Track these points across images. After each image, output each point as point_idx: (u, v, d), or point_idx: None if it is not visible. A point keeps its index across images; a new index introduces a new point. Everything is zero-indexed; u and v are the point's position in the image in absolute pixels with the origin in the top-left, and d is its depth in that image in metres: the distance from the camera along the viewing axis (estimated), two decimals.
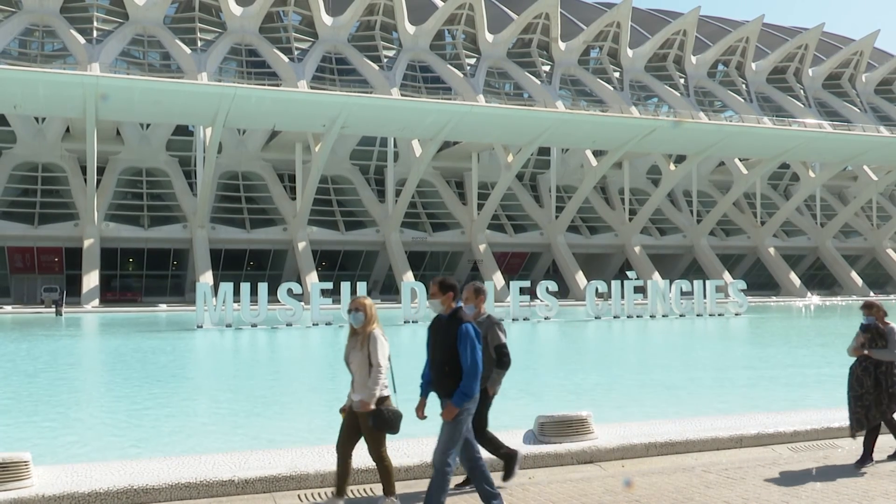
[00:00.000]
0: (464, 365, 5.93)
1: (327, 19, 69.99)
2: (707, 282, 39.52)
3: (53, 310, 44.21)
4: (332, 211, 61.97)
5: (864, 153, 66.68)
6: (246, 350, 24.70)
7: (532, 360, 20.94)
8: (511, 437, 8.09)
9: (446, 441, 6.01)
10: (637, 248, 65.49)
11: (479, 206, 62.77)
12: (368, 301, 6.40)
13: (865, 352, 7.65)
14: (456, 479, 6.65)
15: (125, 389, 14.84)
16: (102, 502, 6.25)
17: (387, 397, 6.35)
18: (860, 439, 7.75)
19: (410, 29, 72.32)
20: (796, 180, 76.02)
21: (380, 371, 6.26)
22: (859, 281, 69.38)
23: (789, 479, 7.15)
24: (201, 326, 30.91)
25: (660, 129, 59.68)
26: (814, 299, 61.10)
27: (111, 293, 55.86)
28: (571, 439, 7.94)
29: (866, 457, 7.58)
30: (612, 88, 76.70)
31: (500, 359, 6.83)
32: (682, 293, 38.49)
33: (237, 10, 67.69)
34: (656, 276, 57.62)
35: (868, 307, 7.91)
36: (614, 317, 36.76)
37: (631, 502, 6.45)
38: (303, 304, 34.02)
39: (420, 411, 6.41)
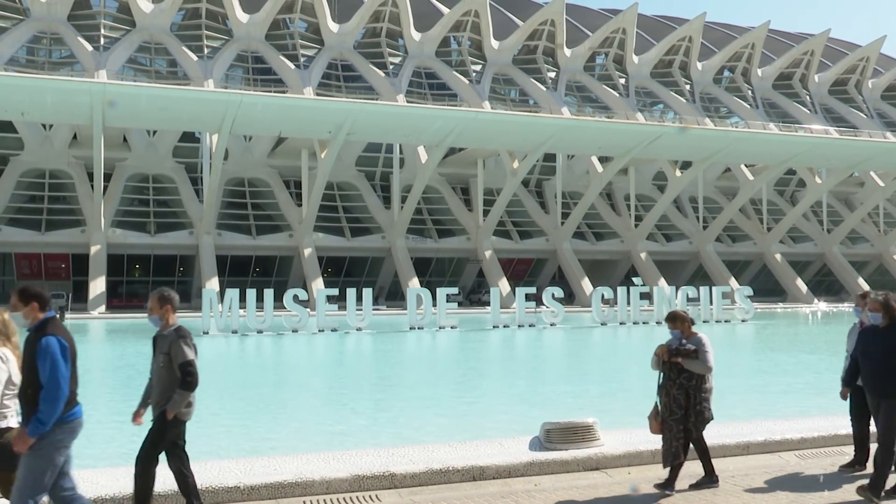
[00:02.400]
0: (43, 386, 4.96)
1: (333, 26, 70.19)
2: (713, 288, 39.43)
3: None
4: (337, 217, 62.04)
5: (871, 159, 66.53)
6: (251, 356, 24.72)
7: (538, 366, 20.93)
8: (517, 444, 8.08)
9: (23, 480, 4.96)
10: (643, 255, 65.41)
11: (485, 213, 62.79)
12: (5, 314, 5.58)
13: (677, 360, 6.97)
14: None
15: (129, 395, 14.84)
16: None
17: (7, 428, 5.32)
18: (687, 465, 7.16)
19: (416, 36, 72.49)
20: (803, 186, 75.85)
21: None
22: (866, 287, 69.06)
23: (797, 486, 7.12)
24: (207, 333, 30.95)
25: (665, 136, 59.66)
26: (820, 306, 60.93)
27: (118, 299, 55.96)
28: (577, 446, 7.92)
29: (670, 482, 7.00)
30: (617, 95, 76.72)
31: (184, 378, 6.01)
32: (689, 299, 38.42)
33: (243, 17, 67.96)
34: (662, 282, 57.52)
35: (672, 319, 7.27)
36: (620, 323, 36.71)
37: None
38: (308, 310, 34.07)
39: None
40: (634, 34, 79.87)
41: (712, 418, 7.12)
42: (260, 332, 31.66)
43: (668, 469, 7.03)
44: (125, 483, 6.56)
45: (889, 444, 6.72)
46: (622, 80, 79.13)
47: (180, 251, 58.01)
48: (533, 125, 57.36)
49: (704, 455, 7.15)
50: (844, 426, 9.05)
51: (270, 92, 58.35)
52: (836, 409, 11.98)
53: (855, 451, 7.85)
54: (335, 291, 37.64)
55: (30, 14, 63.22)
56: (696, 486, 7.05)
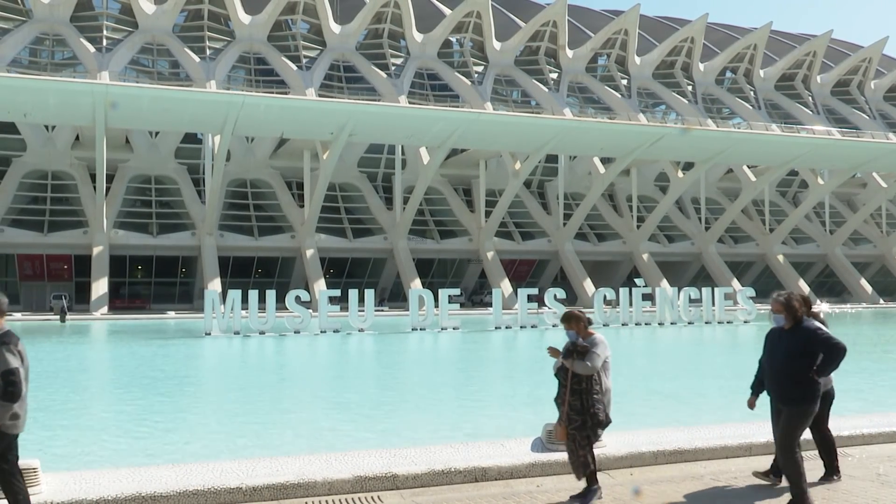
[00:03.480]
0: None
1: (335, 27, 70.25)
2: (715, 289, 39.38)
3: (59, 317, 44.43)
4: (339, 218, 62.07)
5: (873, 160, 66.47)
6: (254, 357, 24.71)
7: (540, 367, 20.89)
8: (519, 445, 8.08)
9: None
10: (645, 256, 65.38)
11: (487, 214, 62.79)
12: None
13: (566, 363, 6.72)
14: None
15: (133, 396, 14.87)
16: None
17: None
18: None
19: (418, 37, 72.52)
20: (805, 187, 75.82)
21: None
22: (869, 288, 69.08)
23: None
24: (209, 334, 30.96)
25: (668, 137, 59.65)
26: (823, 307, 60.53)
27: (120, 300, 56.04)
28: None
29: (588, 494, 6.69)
30: (619, 96, 76.71)
31: (5, 388, 5.54)
32: (691, 300, 38.40)
33: (245, 18, 68.04)
34: (664, 283, 57.48)
35: (566, 320, 6.93)
36: (622, 324, 36.68)
37: None
38: (311, 311, 34.06)
39: None
40: (636, 35, 79.88)
41: (609, 421, 6.78)
42: (262, 333, 31.66)
43: (583, 480, 6.67)
44: (127, 484, 6.57)
45: (789, 452, 6.42)
46: (624, 81, 79.12)
47: (182, 252, 58.06)
48: (535, 126, 57.35)
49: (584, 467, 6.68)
50: (847, 427, 9.05)
51: (272, 93, 58.39)
52: (837, 409, 11.97)
53: (774, 458, 7.26)
54: (337, 292, 37.72)
55: (32, 15, 63.31)
56: (576, 498, 6.64)
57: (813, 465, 7.29)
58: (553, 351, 6.84)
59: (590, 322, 6.94)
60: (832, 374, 6.98)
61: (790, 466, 6.42)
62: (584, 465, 6.61)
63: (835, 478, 7.23)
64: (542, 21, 75.98)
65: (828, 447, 7.30)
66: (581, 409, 6.64)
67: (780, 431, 6.55)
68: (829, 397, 7.31)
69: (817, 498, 6.62)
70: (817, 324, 6.65)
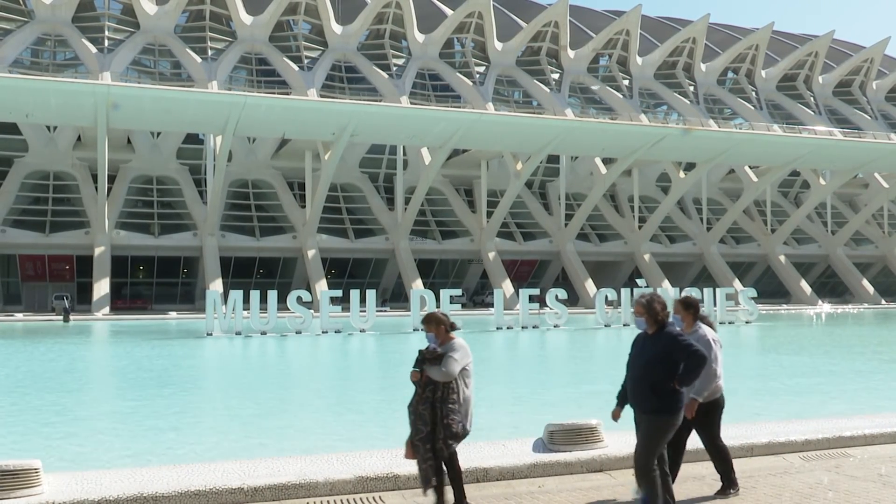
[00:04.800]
0: None
1: (337, 28, 70.28)
2: (717, 290, 39.36)
3: (62, 317, 44.51)
4: (341, 219, 62.09)
5: (875, 160, 66.45)
6: (255, 358, 24.73)
7: (541, 368, 20.92)
8: (521, 446, 8.07)
9: None
10: (647, 256, 65.36)
11: (489, 214, 62.80)
12: None
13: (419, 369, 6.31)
14: None
15: (134, 396, 14.87)
16: None
17: None
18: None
19: (419, 37, 72.54)
20: (807, 188, 75.79)
21: None
22: (871, 289, 69.03)
23: (801, 488, 7.10)
24: (211, 334, 30.98)
25: (669, 137, 59.65)
26: (825, 307, 60.83)
27: (121, 301, 56.11)
28: (581, 448, 7.91)
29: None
30: (621, 96, 76.70)
31: None
32: None
33: (247, 19, 68.07)
34: (666, 283, 57.48)
35: (427, 321, 6.48)
36: (624, 325, 36.65)
37: None
38: (312, 311, 34.09)
39: None
40: (638, 36, 79.88)
41: (466, 433, 6.24)
42: (263, 333, 31.68)
43: (430, 493, 6.27)
44: (128, 484, 6.57)
45: (646, 469, 5.89)
46: (626, 82, 79.12)
47: (184, 253, 58.10)
48: (536, 127, 57.36)
49: (456, 481, 6.32)
50: (849, 428, 9.04)
51: (274, 93, 58.47)
52: (839, 410, 11.97)
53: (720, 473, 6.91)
54: (339, 293, 37.74)
55: (34, 16, 63.38)
56: None
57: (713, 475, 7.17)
58: (415, 375, 6.29)
59: (453, 326, 6.45)
60: (722, 382, 6.69)
61: (647, 485, 5.88)
62: (426, 479, 6.10)
63: (731, 492, 6.78)
64: (544, 21, 75.99)
65: (722, 459, 6.85)
66: (430, 419, 6.15)
67: (638, 444, 6.00)
68: (719, 405, 6.84)
69: None
70: (679, 329, 6.07)
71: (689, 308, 6.77)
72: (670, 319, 6.05)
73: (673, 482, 6.49)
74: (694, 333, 6.65)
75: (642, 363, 6.01)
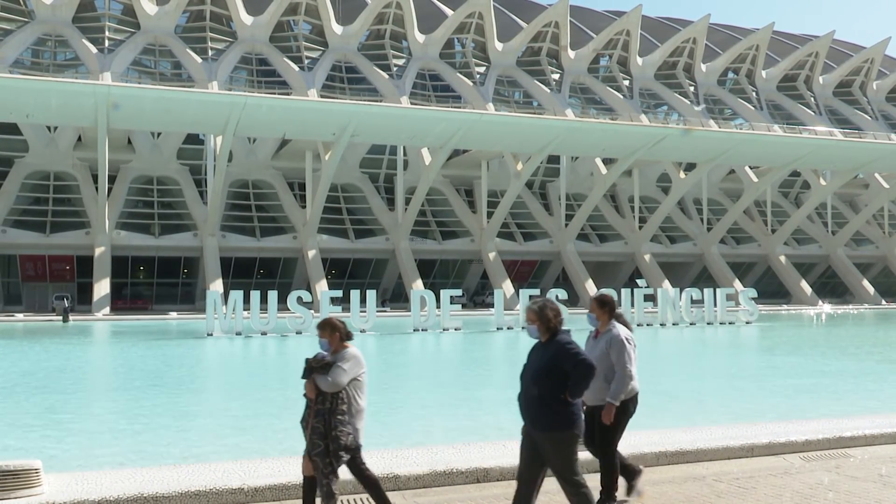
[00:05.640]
0: None
1: (337, 28, 70.29)
2: (717, 290, 39.38)
3: (62, 317, 44.53)
4: (341, 219, 62.09)
5: (876, 161, 66.45)
6: (255, 358, 24.73)
7: None
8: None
9: None
10: (647, 257, 65.35)
11: (489, 215, 62.80)
12: None
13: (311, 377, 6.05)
14: None
15: (134, 397, 14.87)
16: None
17: None
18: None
19: (420, 38, 72.54)
20: (807, 188, 75.79)
21: None
22: (871, 289, 69.02)
23: (801, 488, 7.10)
24: (211, 334, 30.98)
25: (670, 137, 59.65)
26: (825, 308, 60.83)
27: (122, 301, 56.11)
28: (581, 448, 7.89)
29: None
30: (621, 96, 76.70)
31: None
32: (693, 301, 38.39)
33: (248, 19, 68.08)
34: (666, 284, 57.46)
35: (321, 327, 6.22)
36: None
37: None
38: (312, 312, 34.09)
39: None
40: (638, 36, 79.87)
41: (357, 445, 6.05)
42: (264, 333, 31.69)
43: None
44: (129, 484, 6.57)
45: (573, 483, 5.53)
46: (626, 82, 79.12)
47: (184, 253, 58.10)
48: (537, 127, 57.37)
49: (373, 491, 6.12)
50: (850, 428, 9.04)
51: (274, 94, 58.49)
52: (840, 411, 11.97)
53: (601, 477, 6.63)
54: (339, 293, 37.71)
55: (34, 16, 63.39)
56: None
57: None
58: (310, 390, 6.00)
59: (349, 335, 6.19)
60: (636, 383, 6.47)
61: (580, 499, 5.53)
62: (329, 495, 5.85)
63: None
64: (544, 22, 75.99)
65: (609, 469, 6.55)
66: (325, 431, 5.89)
67: (552, 467, 5.56)
68: (628, 410, 6.55)
69: None
70: (569, 337, 5.64)
71: (605, 306, 6.58)
72: (564, 327, 5.68)
73: (616, 490, 6.50)
74: (608, 332, 6.50)
75: (531, 374, 5.60)
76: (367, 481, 6.15)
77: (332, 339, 6.14)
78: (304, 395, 6.06)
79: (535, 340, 5.73)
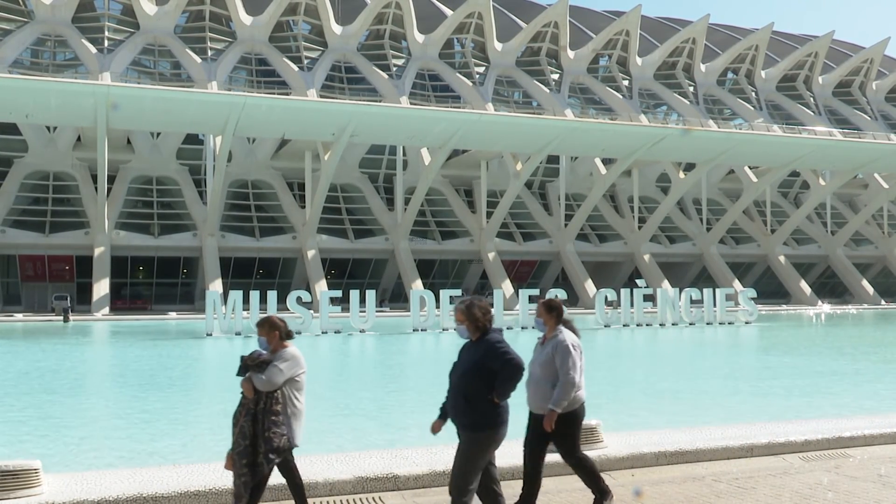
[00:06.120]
0: None
1: (337, 28, 70.27)
2: (717, 290, 39.39)
3: (62, 318, 44.55)
4: (341, 219, 62.08)
5: (875, 161, 66.45)
6: None
7: None
8: (520, 446, 8.07)
9: None
10: (646, 257, 65.36)
11: (489, 215, 62.79)
12: None
13: (248, 376, 5.93)
14: None
15: (134, 397, 14.87)
16: None
17: None
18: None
19: (419, 38, 72.53)
20: (806, 188, 75.81)
21: None
22: (870, 289, 69.03)
23: (800, 488, 7.10)
24: (211, 334, 30.98)
25: (669, 138, 59.65)
26: (824, 308, 60.85)
27: (121, 301, 56.08)
28: (581, 448, 7.90)
29: None
30: (621, 97, 76.70)
31: None
32: (692, 301, 38.40)
33: (247, 19, 68.06)
34: (666, 284, 57.47)
35: (260, 325, 6.10)
36: (624, 325, 36.68)
37: None
38: (312, 312, 34.08)
39: None
40: (638, 36, 79.87)
41: (290, 446, 5.89)
42: None
43: None
44: (128, 484, 6.57)
45: (462, 488, 5.39)
46: (625, 82, 79.12)
47: (184, 253, 58.09)
48: (536, 127, 57.37)
49: (297, 494, 6.00)
50: (849, 428, 9.04)
51: (274, 94, 58.45)
52: (840, 411, 11.98)
53: (524, 485, 6.43)
54: (338, 293, 37.74)
55: (34, 16, 63.36)
56: None
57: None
58: (248, 389, 5.89)
59: (289, 334, 6.07)
60: (583, 392, 6.30)
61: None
62: (238, 496, 5.68)
63: (605, 502, 6.35)
64: (544, 22, 75.97)
65: (587, 471, 6.40)
66: (250, 432, 5.74)
67: (455, 464, 5.50)
68: (577, 417, 6.35)
69: None
70: (499, 336, 5.55)
71: (552, 311, 6.43)
72: (495, 325, 5.58)
73: (534, 502, 6.24)
74: (554, 338, 6.33)
75: (459, 373, 5.55)
76: (295, 484, 6.04)
77: (270, 337, 6.02)
78: (242, 393, 5.92)
79: (466, 340, 5.66)
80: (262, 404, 5.81)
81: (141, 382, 17.34)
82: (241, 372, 5.95)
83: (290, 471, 6.02)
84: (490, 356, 5.42)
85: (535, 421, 6.34)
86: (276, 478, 6.86)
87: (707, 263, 68.03)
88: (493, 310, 5.67)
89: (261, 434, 5.74)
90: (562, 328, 6.41)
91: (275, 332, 6.03)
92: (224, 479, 6.76)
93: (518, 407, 5.90)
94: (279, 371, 5.86)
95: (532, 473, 6.33)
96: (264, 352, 6.01)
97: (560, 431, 6.22)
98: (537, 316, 6.48)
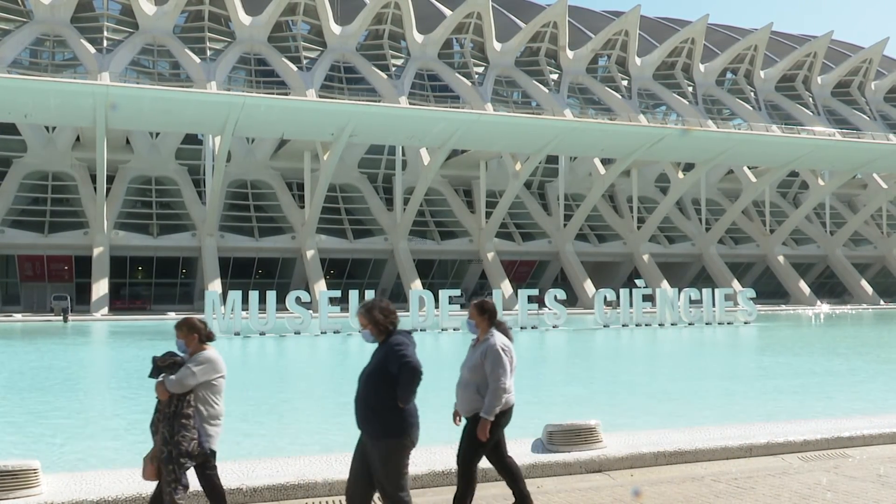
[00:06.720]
0: None
1: (336, 28, 70.26)
2: (716, 290, 39.37)
3: (61, 318, 44.55)
4: (340, 219, 62.07)
5: (874, 161, 66.47)
6: (254, 358, 24.72)
7: (540, 368, 20.91)
8: (520, 446, 8.08)
9: None
10: (646, 257, 65.37)
11: (488, 215, 62.79)
12: None
13: (161, 378, 5.78)
14: None
15: (133, 397, 14.86)
16: None
17: None
18: None
19: (419, 38, 72.53)
20: (805, 188, 75.82)
21: None
22: (869, 289, 69.05)
23: (799, 488, 7.11)
24: None
25: (668, 138, 59.65)
26: (823, 308, 60.85)
27: (120, 301, 56.04)
28: (580, 448, 7.91)
29: None
30: (620, 97, 76.71)
31: None
32: (691, 301, 38.40)
33: (246, 19, 68.04)
34: (665, 284, 57.43)
35: (178, 327, 5.98)
36: (623, 325, 36.67)
37: None
38: (311, 312, 34.06)
39: None
40: (637, 36, 79.89)
41: (203, 452, 5.69)
42: (262, 333, 31.68)
43: None
44: (127, 485, 6.57)
45: (394, 497, 5.22)
46: (625, 82, 79.14)
47: (183, 253, 58.07)
48: (535, 127, 57.37)
49: (218, 500, 5.80)
50: (848, 428, 9.05)
51: (273, 94, 58.41)
52: (839, 411, 11.98)
53: (510, 487, 6.33)
54: (338, 293, 37.69)
55: (33, 16, 63.33)
56: None
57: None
58: (162, 392, 5.75)
59: (209, 337, 5.95)
60: (512, 396, 6.14)
61: None
62: None
63: None
64: (543, 22, 75.98)
65: (511, 476, 6.25)
66: (170, 437, 5.57)
67: (377, 476, 5.25)
68: (500, 422, 6.18)
69: None
70: (402, 338, 5.37)
71: (484, 313, 6.19)
72: (400, 327, 5.43)
73: (527, 491, 6.15)
74: (485, 341, 6.13)
75: (364, 378, 5.39)
76: (213, 491, 5.82)
77: (189, 339, 5.86)
78: (157, 397, 5.76)
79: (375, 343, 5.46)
80: (174, 407, 5.63)
81: (139, 382, 17.31)
82: (153, 374, 5.75)
83: (206, 476, 5.79)
84: (390, 359, 5.24)
85: (467, 423, 6.21)
86: (275, 478, 6.86)
87: (706, 263, 68.05)
88: (396, 310, 5.47)
89: (170, 438, 5.57)
90: (494, 331, 6.19)
91: (193, 335, 5.88)
92: (225, 479, 6.75)
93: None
94: (191, 373, 5.69)
95: (507, 474, 6.22)
96: (181, 353, 5.84)
97: (473, 432, 6.06)
98: (469, 318, 6.26)
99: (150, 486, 6.51)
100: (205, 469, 5.77)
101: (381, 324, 5.36)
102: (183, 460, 5.56)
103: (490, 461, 6.27)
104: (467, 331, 6.03)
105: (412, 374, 5.19)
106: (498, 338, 6.13)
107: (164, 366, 5.76)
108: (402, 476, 5.24)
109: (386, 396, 5.20)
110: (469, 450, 6.11)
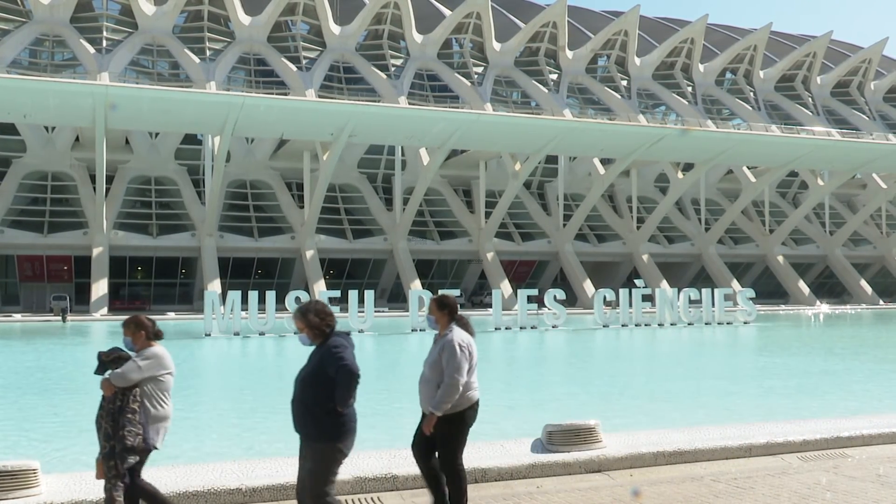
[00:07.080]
0: None
1: (335, 28, 70.25)
2: (715, 290, 39.38)
3: (60, 318, 44.57)
4: (339, 219, 62.06)
5: (873, 161, 66.48)
6: (253, 358, 24.72)
7: (540, 368, 20.92)
8: (519, 446, 8.07)
9: None
10: (645, 257, 65.37)
11: (487, 215, 62.79)
12: None
13: (107, 375, 5.66)
14: None
15: None
16: None
17: None
18: None
19: (418, 38, 72.53)
20: (805, 188, 75.83)
21: None
22: (869, 289, 69.07)
23: (799, 488, 7.10)
24: (209, 335, 30.97)
25: (668, 138, 59.65)
26: (823, 308, 60.85)
27: (120, 301, 56.00)
28: (580, 448, 7.91)
29: None
30: (619, 97, 76.72)
31: None
32: (691, 301, 38.41)
33: (246, 19, 68.03)
34: (664, 284, 57.44)
35: (126, 325, 5.94)
36: (622, 325, 36.68)
37: None
38: None
39: None
40: (636, 36, 79.90)
41: (147, 448, 5.64)
42: (262, 334, 31.68)
43: None
44: None
45: (319, 498, 5.18)
46: (624, 82, 79.15)
47: (182, 253, 58.05)
48: (535, 127, 57.37)
49: (151, 498, 5.72)
50: (848, 428, 9.05)
51: (272, 94, 58.41)
52: (839, 411, 11.98)
53: (430, 491, 6.15)
54: (337, 293, 37.69)
55: (32, 16, 63.31)
56: None
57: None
58: (108, 388, 5.63)
59: (157, 335, 5.93)
60: (474, 392, 6.06)
61: None
62: (110, 501, 5.45)
63: None
64: (542, 22, 75.99)
65: (456, 484, 6.04)
66: (113, 433, 5.50)
67: (308, 478, 5.25)
68: (465, 420, 6.08)
69: None
70: (340, 340, 5.32)
71: (444, 308, 6.15)
72: (338, 328, 5.36)
73: (466, 499, 5.99)
74: (444, 337, 6.07)
75: (300, 380, 5.30)
76: (144, 491, 5.74)
77: (136, 337, 5.84)
78: (102, 395, 5.69)
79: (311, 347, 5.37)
80: (119, 402, 5.57)
81: None
82: (99, 370, 5.70)
83: (137, 486, 5.68)
84: (327, 362, 5.18)
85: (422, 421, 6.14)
86: (275, 478, 6.85)
87: (706, 263, 68.05)
88: (332, 312, 5.37)
89: (114, 434, 5.51)
90: (453, 326, 6.11)
91: (140, 332, 5.86)
92: (224, 479, 6.76)
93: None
94: (136, 367, 5.65)
95: (430, 475, 6.08)
96: (131, 353, 5.83)
97: (442, 432, 5.93)
98: (429, 313, 6.22)
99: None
100: (133, 475, 5.68)
101: (316, 326, 5.29)
102: (126, 455, 5.52)
103: (417, 454, 6.16)
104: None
105: (349, 376, 5.18)
106: (457, 333, 6.05)
107: (108, 361, 5.70)
108: (328, 482, 5.20)
109: (322, 399, 5.16)
110: (445, 451, 6.01)
